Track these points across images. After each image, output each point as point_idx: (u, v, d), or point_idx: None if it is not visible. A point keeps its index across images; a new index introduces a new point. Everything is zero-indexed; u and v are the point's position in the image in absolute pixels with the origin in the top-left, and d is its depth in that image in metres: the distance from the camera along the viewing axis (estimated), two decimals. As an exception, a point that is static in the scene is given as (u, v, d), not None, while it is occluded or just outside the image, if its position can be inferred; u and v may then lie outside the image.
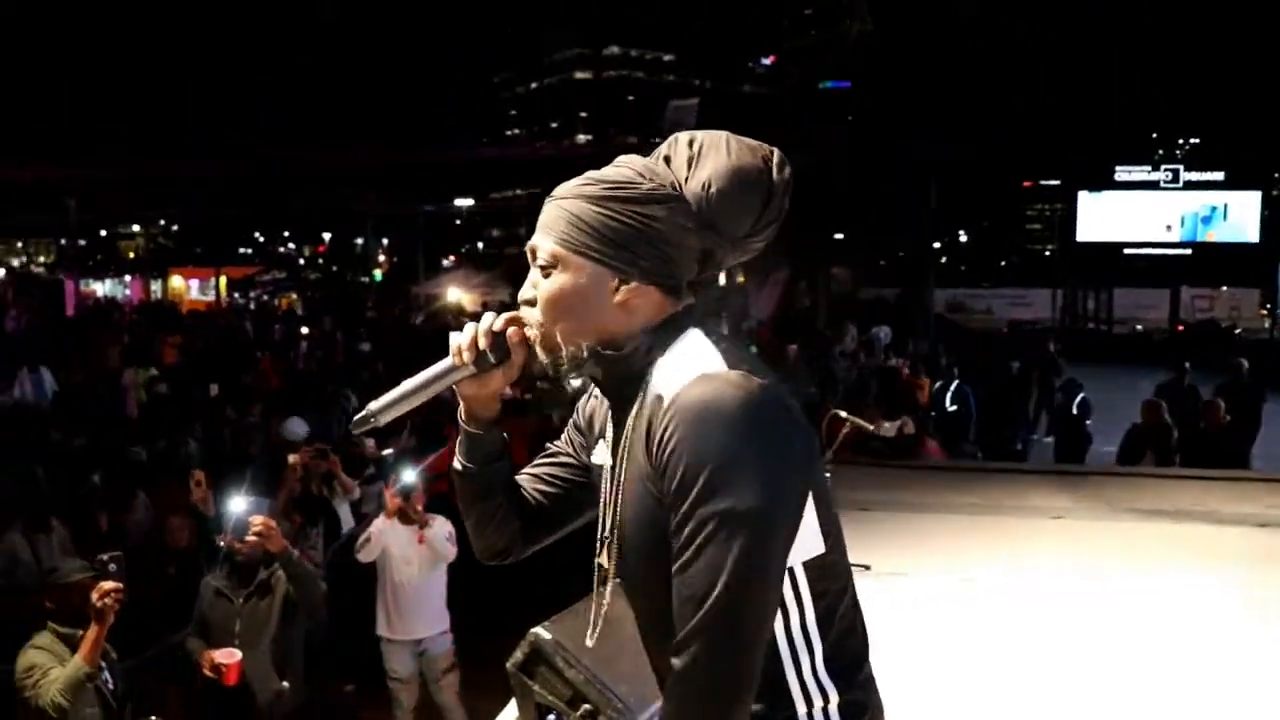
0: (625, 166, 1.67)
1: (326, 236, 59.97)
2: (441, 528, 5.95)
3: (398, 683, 5.98)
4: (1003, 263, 59.82)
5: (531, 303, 1.68)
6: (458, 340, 1.71)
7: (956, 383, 11.86)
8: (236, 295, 32.90)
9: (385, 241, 53.99)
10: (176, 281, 35.65)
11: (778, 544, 1.50)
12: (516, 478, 1.90)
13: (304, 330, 20.59)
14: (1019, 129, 38.48)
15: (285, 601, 4.78)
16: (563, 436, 1.93)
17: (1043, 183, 46.82)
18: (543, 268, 1.65)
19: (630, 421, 1.63)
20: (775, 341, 16.72)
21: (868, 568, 5.76)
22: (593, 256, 1.62)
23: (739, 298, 23.24)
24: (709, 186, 1.61)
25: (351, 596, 6.77)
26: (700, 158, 1.65)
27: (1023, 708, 4.23)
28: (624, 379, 1.66)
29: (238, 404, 10.77)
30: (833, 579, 1.64)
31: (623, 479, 1.64)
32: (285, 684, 4.77)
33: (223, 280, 32.80)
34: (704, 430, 1.47)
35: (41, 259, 50.95)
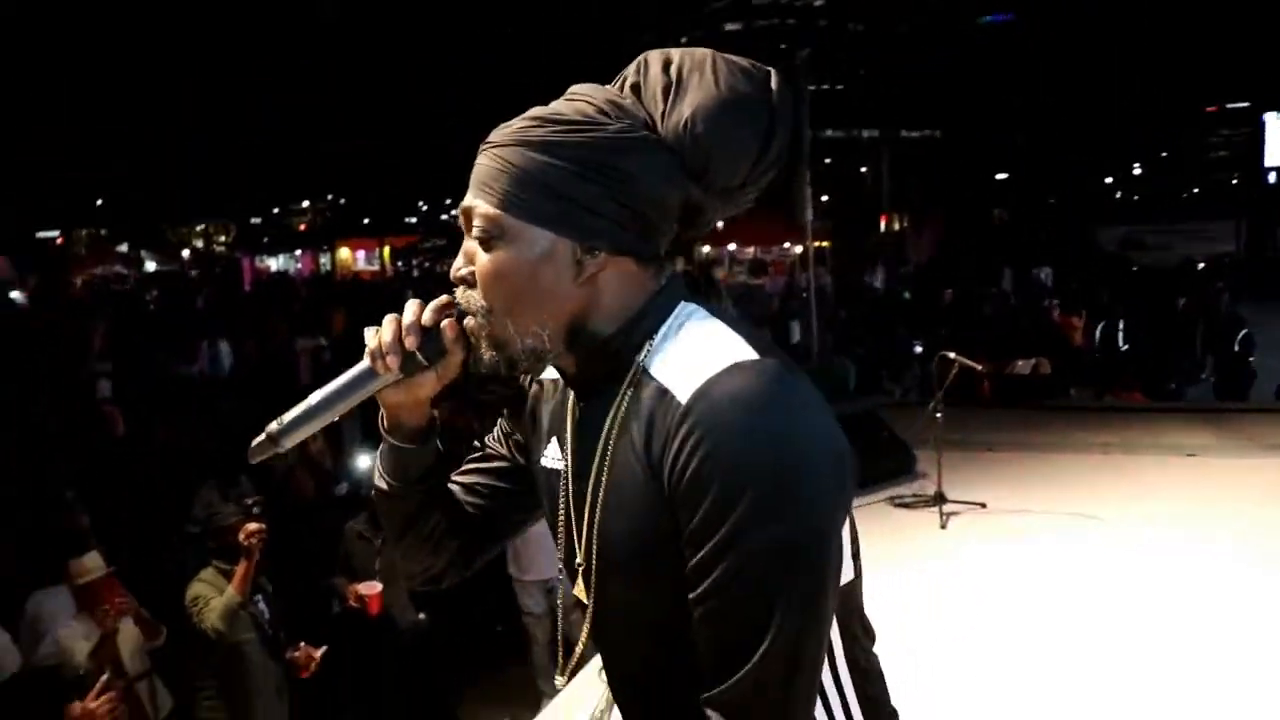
0: (581, 99, 1.30)
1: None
2: None
3: (531, 618, 6.37)
4: (1183, 195, 56.77)
5: (469, 282, 1.32)
6: (375, 339, 1.36)
7: (1103, 323, 11.55)
8: (400, 263, 34.22)
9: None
10: (344, 253, 37.41)
11: (833, 579, 1.24)
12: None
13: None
14: (1200, 48, 36.34)
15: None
16: (493, 433, 1.61)
17: (1227, 106, 44.18)
18: (480, 239, 1.29)
19: (613, 421, 1.30)
20: (932, 285, 16.49)
21: (983, 505, 5.82)
22: (543, 221, 1.27)
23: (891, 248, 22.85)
24: (692, 125, 1.26)
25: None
26: (680, 86, 1.29)
27: (1133, 640, 4.25)
28: (602, 371, 1.33)
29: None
30: (853, 609, 1.38)
31: (601, 493, 1.32)
32: (422, 615, 5.21)
33: (386, 250, 34.21)
34: (747, 437, 1.17)
35: (221, 239, 54.14)
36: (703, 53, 1.32)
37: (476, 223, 1.28)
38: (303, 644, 4.64)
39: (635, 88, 1.31)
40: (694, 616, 1.22)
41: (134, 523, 6.00)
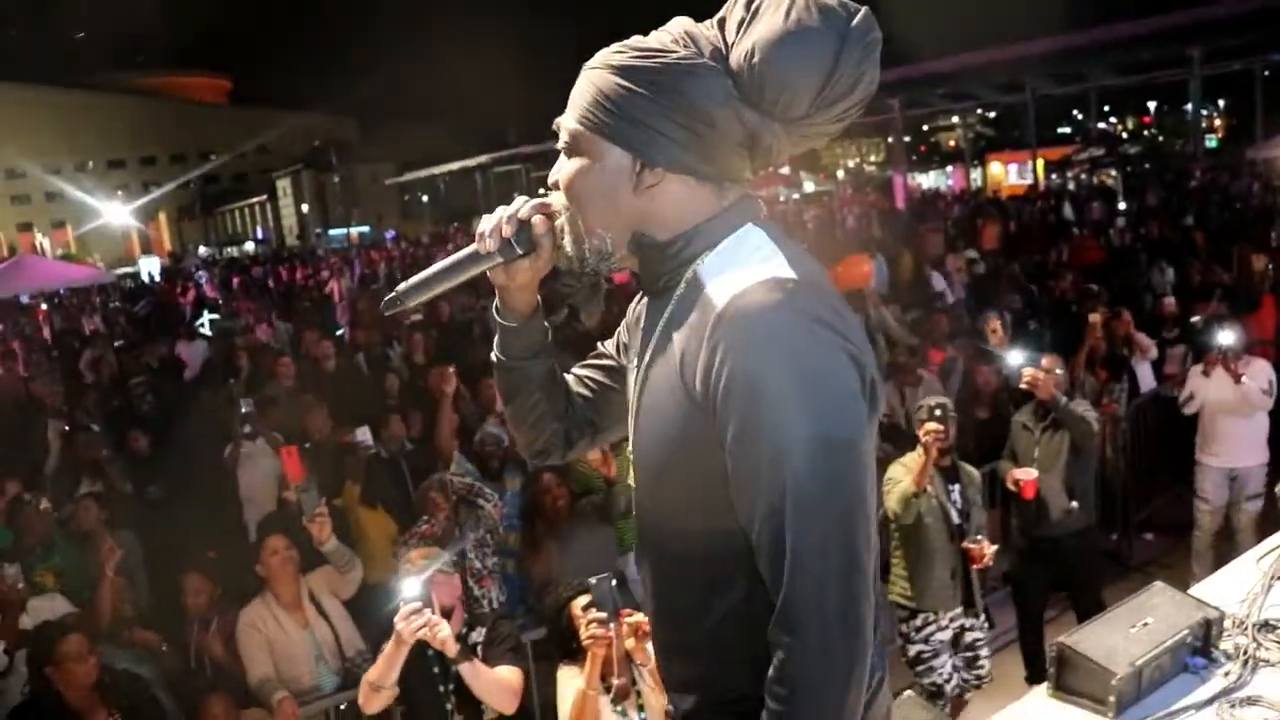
0: (666, 31, 1.44)
1: (1151, 106, 56.79)
2: (1260, 375, 6.22)
3: (1203, 503, 6.31)
4: None
5: (557, 185, 1.52)
6: (482, 226, 1.56)
7: None
8: (1054, 176, 33.07)
9: (1220, 104, 49.59)
10: (995, 168, 36.94)
11: (866, 472, 1.33)
12: (566, 376, 1.75)
13: (1121, 206, 20.23)
14: None
15: (1073, 437, 5.42)
16: (615, 336, 1.74)
17: None
18: (564, 149, 1.49)
19: (662, 321, 1.45)
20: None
21: None
22: (610, 136, 1.42)
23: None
24: (752, 55, 1.36)
25: (1149, 453, 7.14)
26: (753, 19, 1.38)
27: None
28: (660, 275, 1.48)
29: (1050, 278, 11.41)
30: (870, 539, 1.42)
31: (644, 385, 1.47)
32: (1074, 504, 5.44)
33: (1039, 163, 33.20)
34: (765, 343, 1.28)
35: (873, 158, 55.88)
36: None
37: (561, 135, 1.47)
38: (980, 537, 5.05)
39: (721, 21, 1.41)
40: (747, 526, 1.33)
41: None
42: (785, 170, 37.16)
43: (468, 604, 4.79)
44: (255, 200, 62.98)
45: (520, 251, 1.54)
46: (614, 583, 3.40)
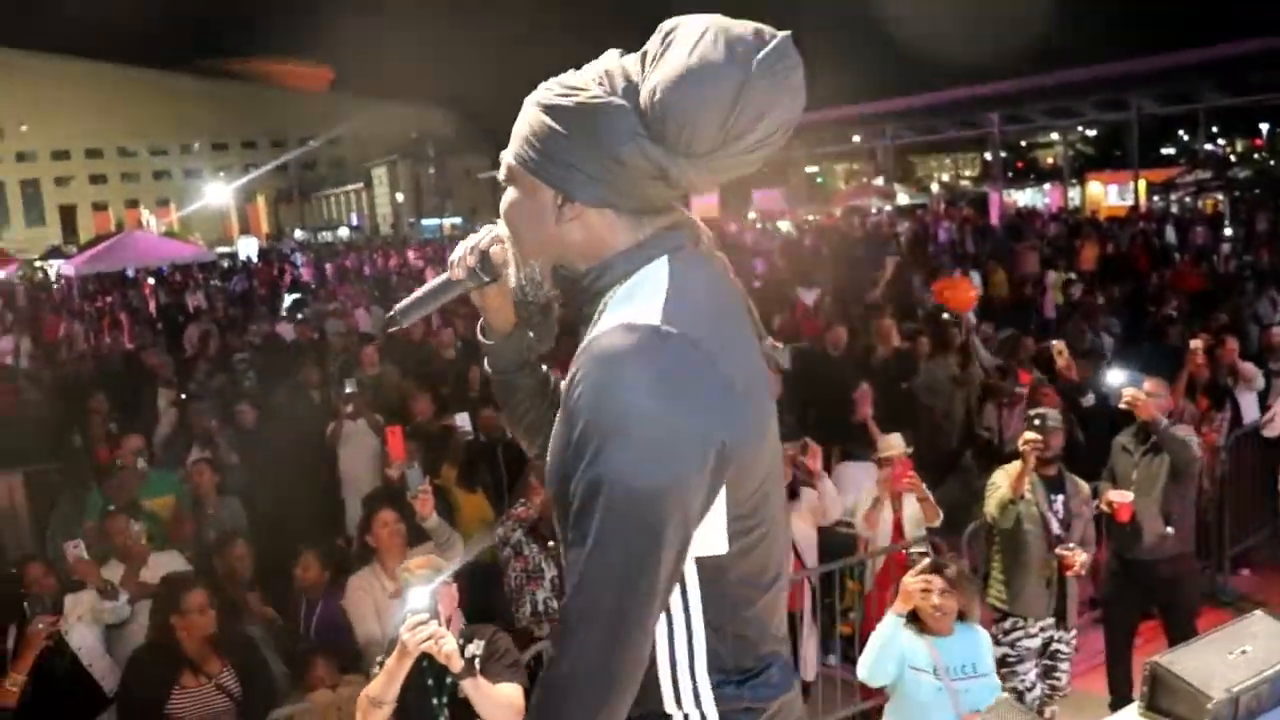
0: (591, 67, 1.49)
1: (1263, 128, 54.99)
2: None
3: None
4: None
5: None
6: (453, 254, 1.69)
7: None
8: (1156, 199, 32.30)
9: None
10: (1094, 188, 36.16)
11: (668, 528, 1.34)
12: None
13: (1227, 232, 19.73)
14: None
15: (1173, 462, 5.36)
16: None
17: None
18: (501, 181, 1.56)
19: (580, 349, 1.47)
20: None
21: None
22: (533, 170, 1.48)
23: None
24: (655, 93, 1.38)
25: (1249, 487, 7.02)
26: (663, 54, 1.40)
27: None
28: (579, 304, 1.54)
29: (1156, 302, 11.23)
30: (736, 582, 1.48)
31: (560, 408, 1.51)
32: (1169, 529, 5.38)
33: (1141, 184, 32.43)
34: (605, 384, 1.34)
35: (968, 173, 55.15)
36: (703, 21, 1.40)
37: (500, 168, 1.55)
38: (1073, 545, 5.06)
39: (644, 55, 1.44)
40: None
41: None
42: (879, 181, 36.92)
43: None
44: (351, 188, 64.35)
45: (485, 279, 1.67)
46: None
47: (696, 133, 1.37)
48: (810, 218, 33.28)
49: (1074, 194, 36.30)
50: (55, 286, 27.76)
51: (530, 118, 1.47)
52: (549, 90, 1.46)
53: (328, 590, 5.06)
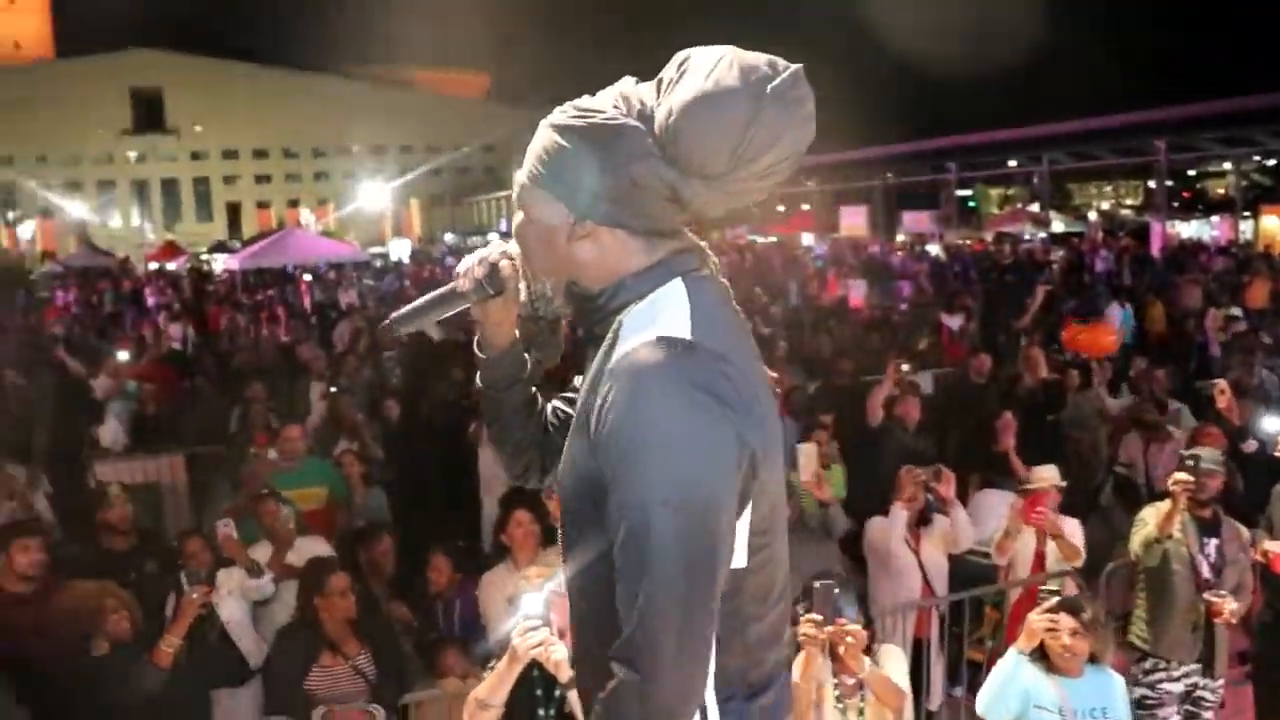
0: (608, 91, 1.52)
1: None
2: None
3: None
4: None
5: None
6: (460, 266, 1.71)
7: None
8: (1337, 233, 30.41)
9: None
10: (1270, 221, 34.14)
11: (721, 537, 1.38)
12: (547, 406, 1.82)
13: None
14: None
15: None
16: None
17: None
18: (516, 199, 1.59)
19: (593, 369, 1.51)
20: None
21: None
22: (547, 189, 1.51)
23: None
24: (670, 115, 1.42)
25: None
26: (679, 80, 1.44)
27: None
28: (591, 323, 1.55)
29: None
30: (748, 598, 1.50)
31: (572, 425, 1.54)
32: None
33: (1319, 219, 30.64)
34: (643, 400, 1.36)
35: (1129, 201, 52.97)
36: (719, 50, 1.43)
37: (515, 186, 1.57)
38: (1224, 591, 4.86)
39: (659, 81, 1.47)
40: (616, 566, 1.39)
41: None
42: (1035, 207, 35.87)
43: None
44: (502, 194, 65.67)
45: (490, 292, 1.67)
46: (835, 590, 3.65)
47: (709, 155, 1.41)
48: (962, 242, 32.51)
49: (1245, 227, 34.54)
50: (220, 279, 29.12)
51: (545, 138, 1.50)
52: (564, 112, 1.50)
53: (461, 586, 5.19)
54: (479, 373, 1.80)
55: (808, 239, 36.00)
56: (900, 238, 34.89)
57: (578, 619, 1.62)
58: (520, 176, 1.56)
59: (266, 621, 5.22)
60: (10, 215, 64.62)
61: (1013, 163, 38.21)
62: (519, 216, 1.57)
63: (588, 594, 1.55)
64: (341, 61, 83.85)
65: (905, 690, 4.07)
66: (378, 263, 34.01)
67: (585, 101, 1.51)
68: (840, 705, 3.91)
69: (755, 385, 1.47)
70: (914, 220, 35.88)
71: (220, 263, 33.95)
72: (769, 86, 1.40)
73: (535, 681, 3.40)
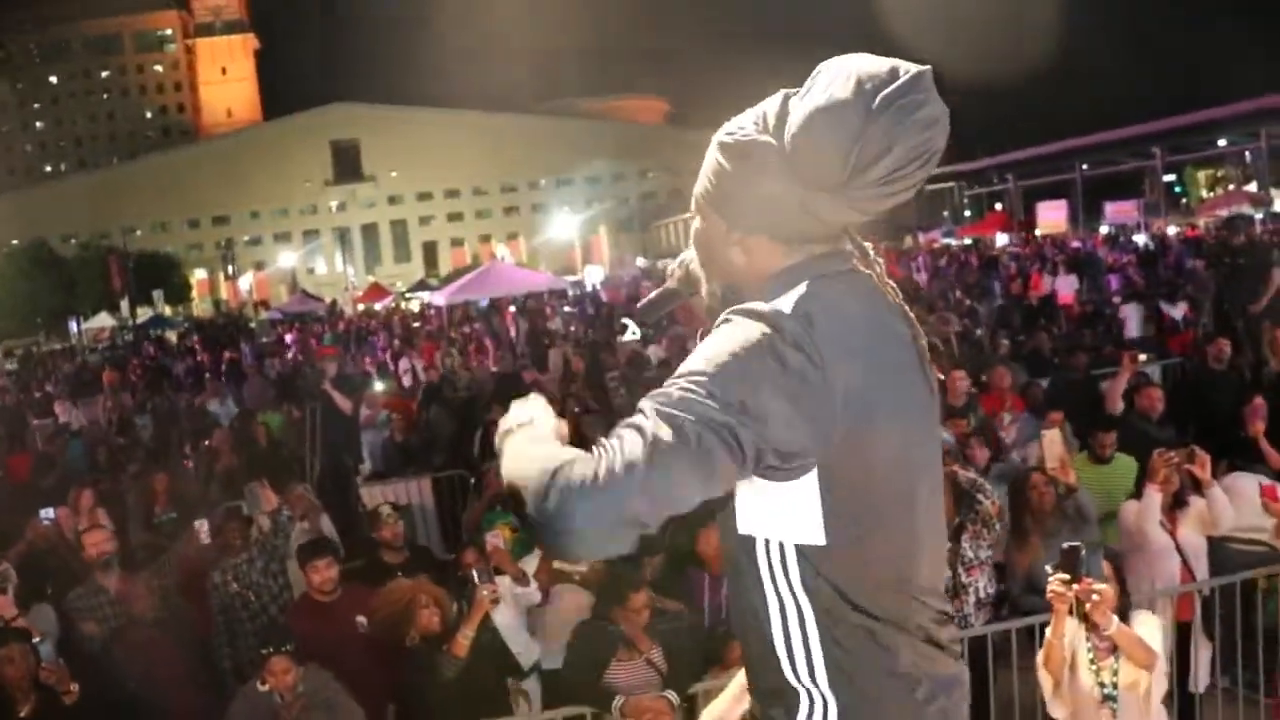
0: (755, 108, 1.61)
1: None
2: None
3: None
4: None
5: None
6: (672, 266, 1.94)
7: None
8: None
9: None
10: None
11: (731, 408, 1.41)
12: None
13: None
14: None
15: None
16: None
17: None
18: (692, 210, 1.72)
19: None
20: None
21: None
22: (708, 203, 1.65)
23: None
24: (791, 129, 1.51)
25: None
26: (804, 96, 1.52)
27: None
28: None
29: None
30: (844, 576, 1.55)
31: None
32: None
33: None
34: (710, 340, 1.50)
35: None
36: (846, 61, 1.49)
37: (692, 200, 1.70)
38: None
39: (797, 94, 1.54)
40: None
41: None
42: (1252, 187, 33.82)
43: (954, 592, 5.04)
44: (688, 215, 66.52)
45: (690, 290, 1.93)
46: (1083, 552, 3.95)
47: (824, 167, 1.48)
48: (1172, 229, 30.95)
49: None
50: (430, 314, 30.46)
51: (709, 154, 1.63)
52: (725, 128, 1.62)
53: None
54: None
55: (1002, 239, 35.04)
56: (1104, 229, 33.49)
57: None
58: (695, 189, 1.69)
59: (542, 624, 5.61)
60: (230, 270, 69.46)
61: (1222, 142, 36.14)
62: (694, 225, 1.73)
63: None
64: (525, 98, 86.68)
65: (1157, 650, 4.13)
66: (574, 290, 34.84)
67: (738, 118, 1.62)
68: (1094, 667, 4.08)
69: (864, 370, 1.51)
70: (1118, 211, 34.40)
71: (425, 299, 35.38)
72: (879, 95, 1.45)
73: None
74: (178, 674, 5.31)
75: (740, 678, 3.12)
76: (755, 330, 1.47)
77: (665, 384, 1.47)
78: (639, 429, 1.41)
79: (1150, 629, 4.21)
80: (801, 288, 1.55)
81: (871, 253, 1.70)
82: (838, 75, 1.48)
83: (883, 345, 1.58)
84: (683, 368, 1.48)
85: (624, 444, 1.40)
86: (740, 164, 1.56)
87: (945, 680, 1.64)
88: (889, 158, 1.45)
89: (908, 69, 1.48)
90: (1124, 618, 4.12)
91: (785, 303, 1.52)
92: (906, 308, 1.70)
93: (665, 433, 1.39)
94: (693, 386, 1.43)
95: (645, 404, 1.45)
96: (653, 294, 2.01)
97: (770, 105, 1.58)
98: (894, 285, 1.70)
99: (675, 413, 1.41)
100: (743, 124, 1.59)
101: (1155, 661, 4.09)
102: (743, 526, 1.61)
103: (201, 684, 5.51)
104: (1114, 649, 4.06)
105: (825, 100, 1.46)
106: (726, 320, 1.52)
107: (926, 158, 1.49)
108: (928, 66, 1.49)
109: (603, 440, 1.44)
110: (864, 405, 1.49)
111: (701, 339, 1.63)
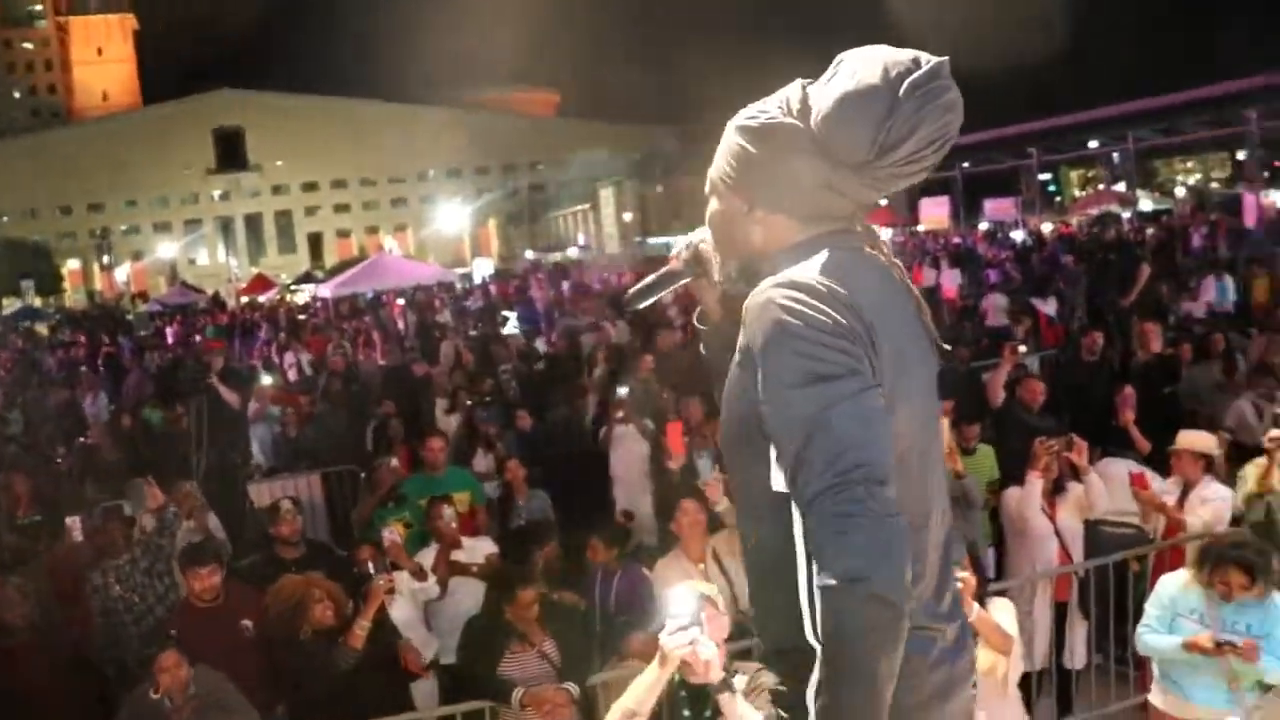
0: (778, 94, 1.71)
1: None
2: None
3: None
4: None
5: None
6: (674, 249, 1.99)
7: None
8: None
9: None
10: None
11: (850, 399, 1.53)
12: None
13: None
14: None
15: None
16: None
17: None
18: (707, 191, 1.81)
19: None
20: None
21: None
22: (727, 184, 1.74)
23: None
24: (819, 111, 1.62)
25: None
26: (829, 81, 1.64)
27: None
28: None
29: None
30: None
31: (732, 367, 1.76)
32: None
33: None
34: (759, 315, 1.60)
35: (1216, 173, 51.67)
36: (869, 51, 1.62)
37: (707, 182, 1.79)
38: None
39: (820, 81, 1.65)
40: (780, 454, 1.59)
41: None
42: (1120, 187, 35.28)
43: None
44: (579, 208, 66.25)
45: (696, 270, 1.95)
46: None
47: (854, 146, 1.59)
48: (1047, 226, 32.09)
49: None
50: (316, 307, 29.87)
51: (727, 137, 1.73)
52: (743, 114, 1.72)
53: (626, 565, 5.48)
54: (700, 342, 2.05)
55: (886, 233, 35.86)
56: (983, 226, 34.55)
57: (758, 570, 1.81)
58: (711, 171, 1.78)
59: (441, 618, 5.59)
60: (105, 260, 66.89)
61: (1094, 143, 37.59)
62: (709, 205, 1.81)
63: (741, 526, 1.81)
64: (412, 89, 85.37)
65: (1013, 635, 4.27)
66: (463, 283, 34.49)
67: (760, 104, 1.73)
68: None
69: (885, 335, 1.63)
70: (996, 208, 35.54)
71: (310, 292, 34.70)
72: (907, 81, 1.57)
73: (682, 700, 3.25)
74: (55, 684, 5.09)
75: (652, 668, 3.16)
76: (801, 302, 1.58)
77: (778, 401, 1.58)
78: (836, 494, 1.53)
79: (1005, 614, 4.36)
80: (823, 254, 1.65)
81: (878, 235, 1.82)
82: (865, 62, 1.60)
83: (897, 311, 1.71)
84: (771, 377, 1.59)
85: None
86: (764, 145, 1.66)
87: (952, 649, 1.79)
88: (913, 139, 1.58)
89: (928, 59, 1.60)
90: (981, 604, 4.23)
91: (812, 266, 1.62)
92: (912, 285, 1.81)
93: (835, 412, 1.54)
94: (802, 378, 1.55)
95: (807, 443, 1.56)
96: (650, 276, 2.01)
97: (791, 92, 1.69)
98: (899, 265, 1.80)
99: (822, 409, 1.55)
100: (765, 108, 1.69)
101: (1011, 646, 4.25)
102: (776, 483, 1.66)
103: (82, 692, 5.31)
104: (973, 635, 4.14)
105: (855, 85, 1.58)
106: (769, 301, 1.60)
107: (943, 141, 1.62)
108: (945, 57, 1.60)
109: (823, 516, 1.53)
110: (898, 359, 1.64)
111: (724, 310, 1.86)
